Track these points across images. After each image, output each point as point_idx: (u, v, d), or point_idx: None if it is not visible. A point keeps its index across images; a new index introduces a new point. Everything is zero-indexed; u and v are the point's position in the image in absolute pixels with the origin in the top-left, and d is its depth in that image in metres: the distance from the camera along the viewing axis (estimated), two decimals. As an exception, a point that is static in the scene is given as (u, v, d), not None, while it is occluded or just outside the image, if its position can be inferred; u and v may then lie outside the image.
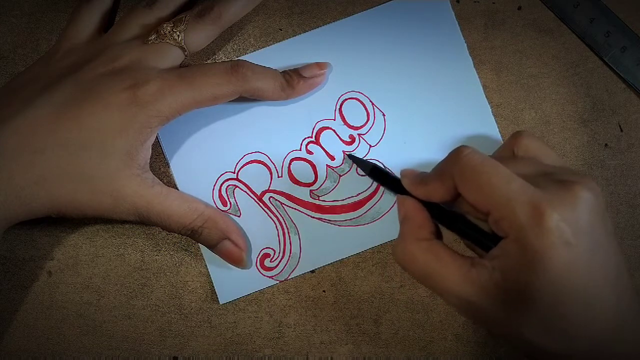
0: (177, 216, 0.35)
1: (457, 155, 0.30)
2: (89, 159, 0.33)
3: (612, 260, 0.29)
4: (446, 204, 0.32)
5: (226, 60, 0.39)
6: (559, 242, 0.27)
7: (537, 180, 0.29)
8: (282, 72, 0.37)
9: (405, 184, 0.33)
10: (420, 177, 0.33)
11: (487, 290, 0.29)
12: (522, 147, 0.33)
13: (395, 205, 0.38)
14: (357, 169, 0.38)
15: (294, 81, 0.37)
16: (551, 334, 0.29)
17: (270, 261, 0.38)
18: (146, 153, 0.35)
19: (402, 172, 0.34)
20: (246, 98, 0.36)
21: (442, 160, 0.32)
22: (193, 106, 0.34)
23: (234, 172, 0.38)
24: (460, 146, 0.31)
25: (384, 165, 0.38)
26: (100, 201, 0.34)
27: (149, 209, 0.34)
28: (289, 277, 0.38)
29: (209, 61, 0.40)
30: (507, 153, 0.33)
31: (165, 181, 0.38)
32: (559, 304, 0.28)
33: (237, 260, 0.37)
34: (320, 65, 0.38)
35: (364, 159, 0.38)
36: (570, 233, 0.27)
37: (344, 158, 0.38)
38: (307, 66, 0.38)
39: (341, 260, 0.38)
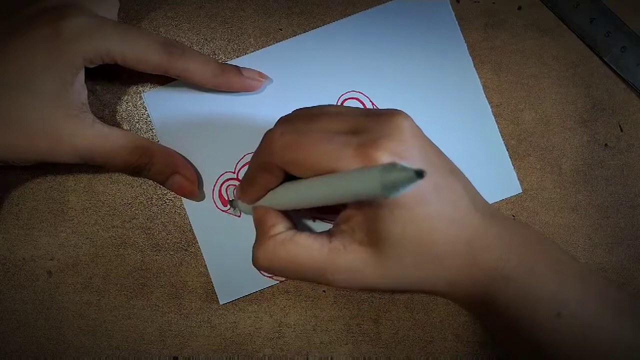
0: (123, 155, 0.34)
1: (268, 144, 0.29)
2: (17, 100, 0.32)
3: (453, 176, 0.29)
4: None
5: (220, 60, 0.39)
6: None
7: (359, 122, 0.29)
8: (223, 63, 0.37)
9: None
10: (242, 186, 0.33)
11: (354, 252, 0.29)
12: None
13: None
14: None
15: (230, 72, 0.36)
16: (427, 269, 0.29)
17: (270, 261, 0.38)
18: (80, 93, 0.34)
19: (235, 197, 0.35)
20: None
21: (256, 154, 0.31)
22: (118, 58, 0.33)
23: (234, 172, 0.38)
24: (266, 133, 0.30)
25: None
26: (37, 144, 0.33)
27: (92, 149, 0.33)
28: (289, 277, 0.38)
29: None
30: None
31: (165, 181, 0.38)
32: (423, 233, 0.28)
33: (189, 193, 0.36)
34: (261, 74, 0.38)
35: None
36: (406, 164, 0.27)
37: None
38: (250, 69, 0.37)
39: (341, 260, 0.38)
